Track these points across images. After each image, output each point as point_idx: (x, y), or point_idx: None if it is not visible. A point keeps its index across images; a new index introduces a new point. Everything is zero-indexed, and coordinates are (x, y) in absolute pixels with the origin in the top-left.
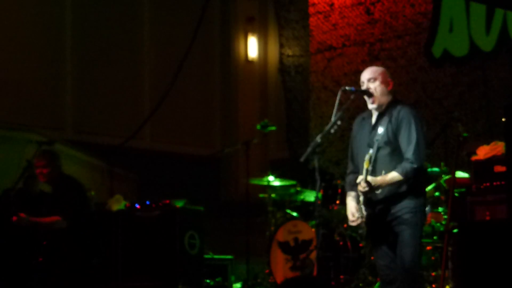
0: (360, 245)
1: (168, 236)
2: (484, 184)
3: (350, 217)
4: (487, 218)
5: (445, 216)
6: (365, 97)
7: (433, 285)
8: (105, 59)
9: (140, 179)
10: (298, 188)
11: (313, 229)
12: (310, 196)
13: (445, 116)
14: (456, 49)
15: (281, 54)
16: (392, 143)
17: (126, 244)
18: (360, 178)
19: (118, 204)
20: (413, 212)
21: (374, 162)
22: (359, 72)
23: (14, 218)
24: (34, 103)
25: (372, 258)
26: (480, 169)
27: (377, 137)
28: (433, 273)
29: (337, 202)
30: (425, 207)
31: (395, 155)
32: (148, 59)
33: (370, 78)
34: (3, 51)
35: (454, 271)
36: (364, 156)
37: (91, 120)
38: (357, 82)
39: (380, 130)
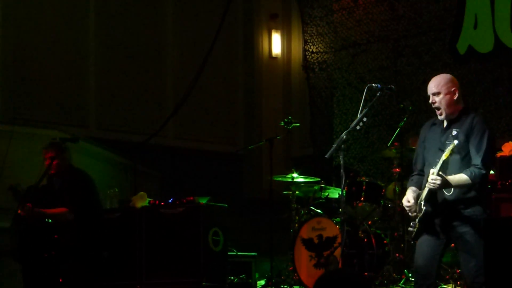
0: (385, 242)
1: (192, 233)
2: (510, 181)
3: (405, 203)
4: None
5: None
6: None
7: (458, 282)
8: (128, 56)
9: (164, 176)
10: (322, 185)
11: (337, 226)
12: (334, 193)
13: None
14: (480, 45)
15: (305, 50)
16: (464, 148)
17: (150, 241)
18: (433, 170)
19: (142, 201)
20: (478, 215)
21: (444, 166)
22: (383, 69)
23: (19, 211)
24: (58, 100)
25: (396, 255)
26: (505, 166)
27: (449, 140)
28: (458, 270)
29: (362, 199)
30: (487, 213)
31: (465, 162)
32: (171, 56)
33: (435, 93)
34: (27, 50)
35: None
36: (432, 159)
37: (114, 117)
38: (381, 78)
39: (454, 133)
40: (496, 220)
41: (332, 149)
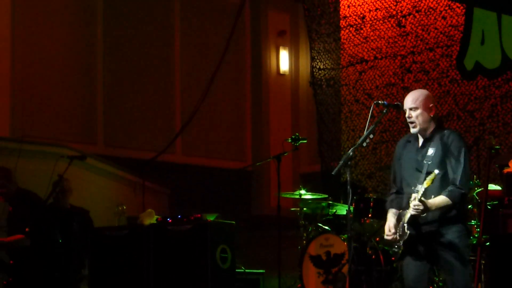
0: (393, 258)
1: (200, 250)
2: None
3: (386, 231)
4: None
5: (478, 229)
6: (410, 125)
7: None
8: (136, 73)
9: (172, 193)
10: (330, 202)
11: (346, 243)
12: (342, 210)
13: (477, 128)
14: (488, 61)
15: (312, 67)
16: (442, 167)
17: (157, 258)
18: (414, 196)
19: (150, 218)
20: (460, 236)
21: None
22: (391, 85)
23: None
24: (66, 118)
25: None
26: None
27: (427, 159)
28: None
29: (369, 215)
30: (468, 229)
31: (445, 180)
32: (179, 73)
33: (412, 108)
34: (35, 67)
35: (487, 284)
36: (410, 179)
37: (122, 134)
38: (389, 95)
39: (430, 152)
40: (503, 236)
41: (338, 166)
